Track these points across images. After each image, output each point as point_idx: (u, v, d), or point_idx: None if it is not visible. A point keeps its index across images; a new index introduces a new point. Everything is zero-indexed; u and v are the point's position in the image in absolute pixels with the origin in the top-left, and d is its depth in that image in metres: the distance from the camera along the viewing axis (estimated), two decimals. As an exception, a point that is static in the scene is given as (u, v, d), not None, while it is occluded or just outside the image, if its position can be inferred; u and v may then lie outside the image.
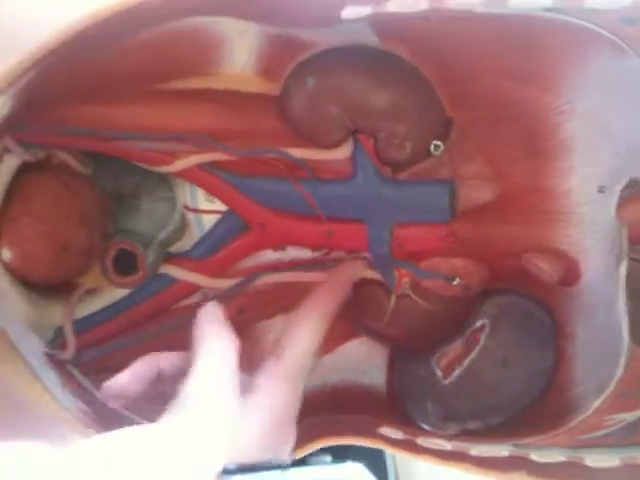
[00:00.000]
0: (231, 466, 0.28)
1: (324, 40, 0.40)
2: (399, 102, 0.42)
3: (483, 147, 0.44)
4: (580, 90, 0.38)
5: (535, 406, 0.44)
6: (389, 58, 0.41)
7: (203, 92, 0.43)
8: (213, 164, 0.45)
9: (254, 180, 0.46)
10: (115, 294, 0.49)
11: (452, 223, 0.45)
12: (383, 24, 0.37)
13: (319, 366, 0.48)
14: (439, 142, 0.44)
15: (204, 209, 0.49)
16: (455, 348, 0.46)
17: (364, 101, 0.42)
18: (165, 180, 0.48)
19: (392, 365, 0.50)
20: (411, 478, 0.63)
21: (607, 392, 0.38)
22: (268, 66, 0.42)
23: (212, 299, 0.49)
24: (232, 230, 0.49)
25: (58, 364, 0.44)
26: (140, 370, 0.36)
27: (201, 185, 0.47)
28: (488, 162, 0.44)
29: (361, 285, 0.47)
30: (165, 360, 0.37)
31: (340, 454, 0.44)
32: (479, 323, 0.46)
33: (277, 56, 0.41)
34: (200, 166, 0.45)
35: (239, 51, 0.41)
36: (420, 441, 0.42)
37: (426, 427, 0.45)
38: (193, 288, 0.49)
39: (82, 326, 0.47)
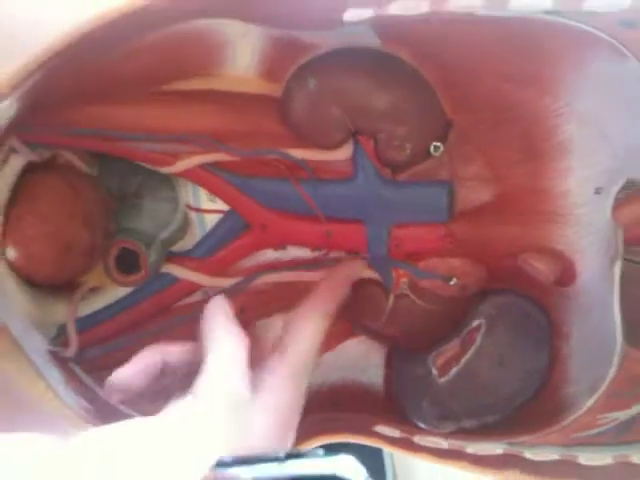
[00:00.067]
0: (227, 459, 0.28)
1: (326, 42, 0.41)
2: (400, 104, 0.43)
3: (483, 149, 0.44)
4: (578, 92, 0.38)
5: (530, 405, 0.44)
6: (390, 60, 0.41)
7: (206, 93, 0.43)
8: (215, 164, 0.46)
9: (256, 181, 0.47)
10: (117, 293, 0.49)
11: (450, 224, 0.46)
12: (385, 27, 0.38)
13: (318, 365, 0.48)
14: (439, 143, 0.44)
15: (206, 209, 0.49)
16: (452, 347, 0.46)
17: (365, 103, 0.42)
18: (168, 180, 0.49)
19: (390, 364, 0.50)
20: (409, 476, 0.63)
21: (600, 391, 0.38)
22: (270, 68, 0.43)
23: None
24: (233, 230, 0.49)
25: (61, 361, 0.44)
26: (144, 363, 0.36)
27: (203, 185, 0.48)
28: (487, 164, 0.44)
29: (360, 285, 0.48)
30: (169, 353, 0.36)
31: (337, 451, 0.44)
32: (475, 323, 0.46)
33: (279, 58, 0.42)
34: (203, 166, 0.46)
35: (242, 53, 0.42)
36: (417, 439, 0.42)
37: (422, 425, 0.45)
38: (194, 287, 0.50)
39: (85, 324, 0.48)
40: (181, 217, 0.49)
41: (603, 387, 0.38)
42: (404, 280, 0.48)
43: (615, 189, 0.39)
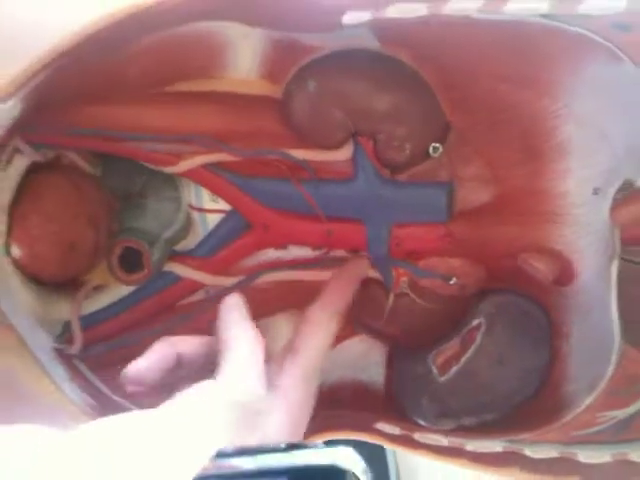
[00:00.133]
0: (228, 449, 0.28)
1: (326, 44, 0.41)
2: (399, 106, 0.43)
3: (482, 150, 0.44)
4: (576, 94, 0.38)
5: (529, 403, 0.44)
6: (390, 62, 0.42)
7: (208, 94, 0.44)
8: (218, 165, 0.46)
9: (257, 181, 0.47)
10: (121, 291, 0.50)
11: (450, 224, 0.46)
12: (384, 29, 0.38)
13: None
14: (438, 144, 0.44)
15: (208, 208, 0.50)
16: (452, 346, 0.46)
17: (364, 104, 0.43)
18: (171, 180, 0.49)
19: (390, 363, 0.50)
20: (412, 474, 0.63)
21: (599, 389, 0.39)
22: (271, 69, 0.43)
23: (214, 297, 0.50)
24: (235, 229, 0.49)
25: (66, 359, 0.45)
26: (158, 356, 0.35)
27: (206, 185, 0.48)
28: (487, 164, 0.44)
29: (360, 284, 0.47)
30: (184, 346, 0.36)
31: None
32: (475, 322, 0.46)
33: (280, 60, 0.42)
34: (205, 167, 0.46)
35: (243, 55, 0.42)
36: (417, 436, 0.42)
37: (422, 423, 0.45)
38: (197, 286, 0.50)
39: (89, 322, 0.48)
40: (184, 217, 0.50)
41: (602, 385, 0.39)
42: (404, 279, 0.48)
43: (613, 190, 0.39)
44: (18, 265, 0.43)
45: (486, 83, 0.40)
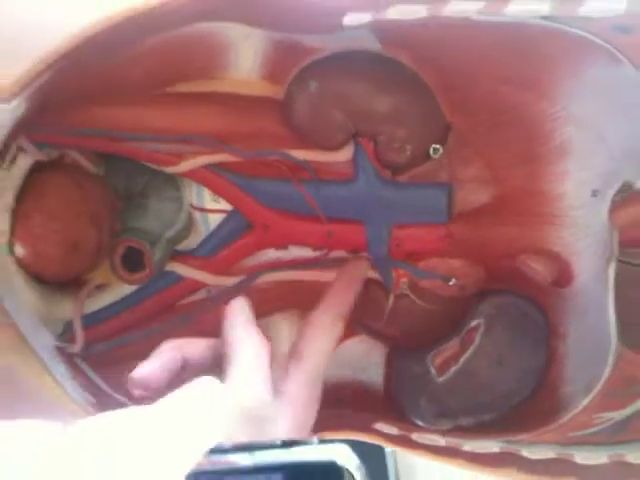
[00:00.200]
0: (227, 445, 0.29)
1: (327, 46, 0.41)
2: (400, 107, 0.43)
3: (481, 152, 0.44)
4: (575, 97, 0.38)
5: (527, 403, 0.44)
6: (390, 64, 0.42)
7: (209, 95, 0.44)
8: (219, 165, 0.46)
9: (258, 181, 0.47)
10: (123, 290, 0.50)
11: (449, 225, 0.46)
12: (384, 31, 0.38)
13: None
14: (438, 146, 0.44)
15: (210, 208, 0.50)
16: (451, 347, 0.46)
17: (365, 106, 0.43)
18: (172, 180, 0.49)
19: (390, 363, 0.50)
20: (411, 473, 0.63)
21: (595, 391, 0.39)
22: (272, 70, 0.43)
23: (216, 296, 0.50)
24: (236, 229, 0.49)
25: (68, 357, 0.45)
26: (163, 360, 0.35)
27: (207, 185, 0.48)
28: (486, 166, 0.45)
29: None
30: (189, 349, 0.36)
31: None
32: (475, 323, 0.46)
33: (281, 61, 0.42)
34: (207, 167, 0.46)
35: (244, 56, 0.42)
36: (415, 437, 0.42)
37: (420, 423, 0.46)
38: (198, 285, 0.50)
39: (91, 320, 0.48)
40: (185, 217, 0.50)
41: (598, 386, 0.39)
42: (404, 280, 0.48)
43: (611, 192, 0.39)
44: (21, 264, 0.43)
45: (486, 85, 0.40)
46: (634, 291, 0.39)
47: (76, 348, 0.46)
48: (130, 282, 0.48)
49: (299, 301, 0.46)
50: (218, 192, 0.48)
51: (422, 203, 0.46)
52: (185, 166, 0.45)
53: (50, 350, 0.44)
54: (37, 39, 0.32)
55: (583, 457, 0.39)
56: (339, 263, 0.48)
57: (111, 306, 0.50)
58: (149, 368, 0.35)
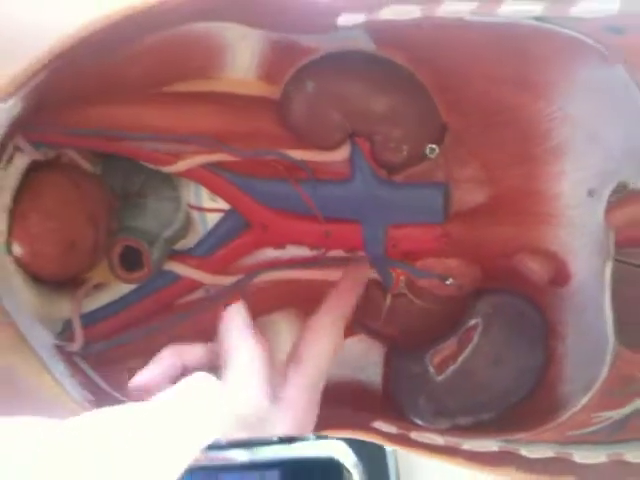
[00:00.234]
0: (222, 441, 0.29)
1: (323, 46, 0.41)
2: (397, 107, 0.43)
3: (477, 151, 0.44)
4: (571, 97, 0.38)
5: (525, 403, 0.44)
6: (386, 64, 0.42)
7: (206, 95, 0.44)
8: (217, 164, 0.46)
9: (256, 181, 0.47)
10: (121, 289, 0.50)
11: (446, 224, 0.46)
12: (379, 31, 0.38)
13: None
14: (434, 146, 0.44)
15: (207, 207, 0.50)
16: (449, 346, 0.46)
17: (362, 106, 0.43)
18: (170, 179, 0.49)
19: (389, 362, 0.50)
20: (411, 472, 0.63)
21: (594, 390, 0.39)
22: (269, 70, 0.43)
23: (214, 296, 0.50)
24: (234, 229, 0.49)
25: (67, 356, 0.45)
26: (163, 366, 0.35)
27: (205, 185, 0.48)
28: (482, 166, 0.45)
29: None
30: (188, 355, 0.36)
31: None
32: (472, 322, 0.46)
33: (277, 61, 0.42)
34: (204, 166, 0.46)
35: (241, 56, 0.42)
36: (413, 435, 0.42)
37: (419, 422, 0.46)
38: (196, 285, 0.50)
39: (89, 320, 0.49)
40: (183, 216, 0.50)
41: (597, 385, 0.39)
42: (401, 278, 0.48)
43: (607, 192, 0.39)
44: (20, 264, 0.43)
45: (480, 85, 0.40)
46: (631, 290, 0.39)
47: (75, 347, 0.46)
48: (128, 281, 0.48)
49: (297, 300, 0.46)
50: (216, 191, 0.48)
51: (418, 203, 0.46)
52: (182, 165, 0.45)
53: (49, 349, 0.44)
54: (34, 39, 0.33)
55: (582, 456, 0.39)
56: (337, 262, 0.48)
57: (109, 305, 0.50)
58: (149, 375, 0.35)
